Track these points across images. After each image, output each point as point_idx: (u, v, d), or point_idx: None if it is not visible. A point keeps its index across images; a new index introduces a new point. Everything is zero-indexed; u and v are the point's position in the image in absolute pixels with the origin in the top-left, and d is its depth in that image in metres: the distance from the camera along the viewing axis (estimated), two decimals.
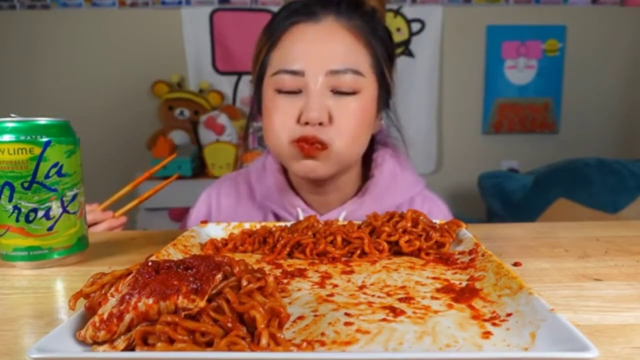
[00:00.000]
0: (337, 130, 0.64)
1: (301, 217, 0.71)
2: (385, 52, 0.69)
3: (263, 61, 0.68)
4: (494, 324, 0.29)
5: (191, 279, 0.27)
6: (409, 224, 0.48)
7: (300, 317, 0.31)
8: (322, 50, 0.63)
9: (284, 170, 0.76)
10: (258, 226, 0.55)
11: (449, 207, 0.81)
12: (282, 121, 0.65)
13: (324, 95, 0.63)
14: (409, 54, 2.30)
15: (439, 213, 0.78)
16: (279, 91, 0.65)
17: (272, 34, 0.67)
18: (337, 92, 0.64)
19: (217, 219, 0.80)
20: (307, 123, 0.63)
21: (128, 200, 0.71)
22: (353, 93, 0.64)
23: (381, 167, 0.75)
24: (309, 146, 0.63)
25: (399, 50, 2.28)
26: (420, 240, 0.46)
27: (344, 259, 0.45)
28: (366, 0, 0.68)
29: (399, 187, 0.75)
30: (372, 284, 0.38)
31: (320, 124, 0.63)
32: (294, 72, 0.63)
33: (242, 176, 0.82)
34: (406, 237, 0.46)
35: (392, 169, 0.76)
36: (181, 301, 0.26)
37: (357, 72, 0.63)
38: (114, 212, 0.70)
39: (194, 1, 2.25)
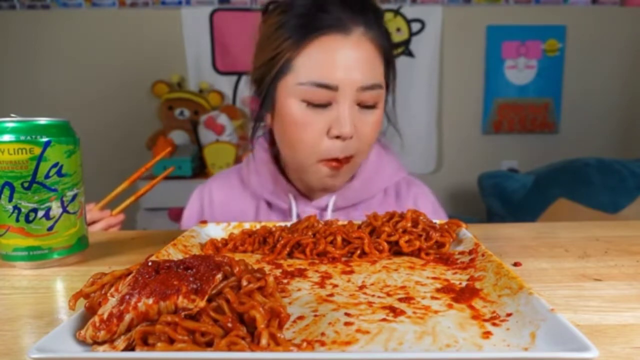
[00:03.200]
0: (359, 142, 0.66)
1: (293, 204, 0.72)
2: (391, 61, 0.71)
3: (284, 64, 0.64)
4: (494, 324, 0.29)
5: (191, 279, 0.27)
6: (409, 224, 0.48)
7: (300, 317, 0.31)
8: (355, 66, 0.63)
9: (276, 160, 0.77)
10: (258, 226, 0.55)
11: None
12: (312, 137, 0.64)
13: (353, 109, 0.64)
14: (409, 54, 2.30)
15: (425, 198, 0.81)
16: (308, 103, 0.63)
17: (297, 37, 0.63)
18: (362, 106, 0.65)
19: (209, 213, 0.80)
20: (337, 137, 0.64)
21: (125, 198, 0.71)
22: (373, 106, 0.66)
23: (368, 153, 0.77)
24: (338, 163, 0.66)
25: (399, 50, 2.28)
26: (420, 240, 0.46)
27: (344, 259, 0.45)
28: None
29: (385, 170, 0.78)
30: (372, 284, 0.38)
31: (351, 137, 0.64)
32: (328, 87, 0.62)
33: (234, 171, 0.83)
34: (406, 237, 0.46)
35: (377, 152, 0.78)
36: (181, 301, 0.26)
37: (380, 87, 0.65)
38: (112, 210, 0.70)
39: (194, 1, 2.24)
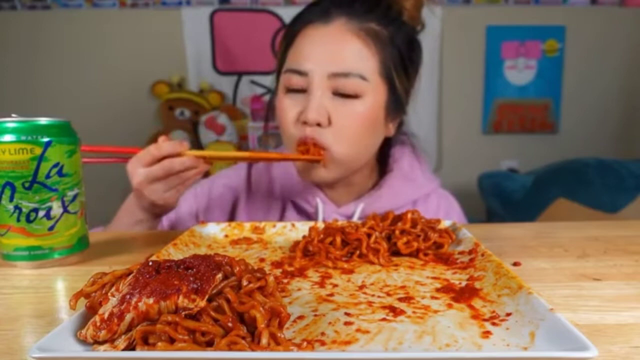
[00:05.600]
0: (335, 132, 0.64)
1: (320, 208, 0.72)
2: (399, 58, 0.67)
3: (280, 60, 0.70)
4: (494, 324, 0.29)
5: (191, 278, 0.27)
6: (408, 225, 0.47)
7: (301, 317, 0.31)
8: (328, 52, 0.63)
9: None
10: (262, 224, 0.55)
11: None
12: (287, 122, 0.66)
13: (324, 96, 0.63)
14: None
15: (453, 212, 0.79)
16: (288, 90, 0.66)
17: (290, 33, 0.68)
18: (339, 95, 0.64)
19: (229, 207, 0.80)
20: (305, 122, 0.63)
21: None
22: (355, 97, 0.64)
23: (400, 161, 0.76)
24: (307, 147, 0.64)
25: None
26: (418, 241, 0.46)
27: (344, 258, 0.45)
28: (400, 1, 0.68)
29: (417, 182, 0.76)
30: (372, 284, 0.38)
31: (319, 125, 0.63)
32: (299, 72, 0.64)
33: (263, 169, 0.80)
34: (404, 239, 0.46)
35: (410, 163, 0.77)
36: (181, 301, 0.26)
37: (360, 77, 0.63)
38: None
39: (194, 1, 2.25)
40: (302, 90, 0.65)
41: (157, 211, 0.63)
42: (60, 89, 2.24)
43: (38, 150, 0.43)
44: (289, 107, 0.66)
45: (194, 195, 0.80)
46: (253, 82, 2.31)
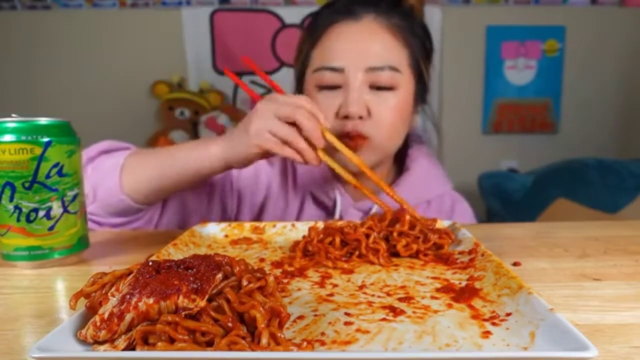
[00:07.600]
0: (375, 123, 0.66)
1: (339, 200, 0.73)
2: (423, 48, 0.71)
3: (305, 58, 0.71)
4: (494, 324, 0.29)
5: (191, 278, 0.27)
6: (406, 227, 0.47)
7: (301, 317, 0.31)
8: (362, 48, 0.66)
9: None
10: (262, 225, 0.55)
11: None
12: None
13: (363, 90, 0.65)
14: None
15: (466, 214, 0.80)
16: (320, 87, 0.67)
17: (314, 32, 0.70)
18: (376, 88, 0.66)
19: (252, 190, 0.78)
20: (346, 117, 0.65)
21: None
22: (391, 89, 0.66)
23: (417, 161, 0.78)
24: (351, 140, 0.65)
25: None
26: (417, 243, 0.46)
27: (344, 258, 0.45)
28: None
29: (433, 182, 0.78)
30: (372, 284, 0.38)
31: (360, 117, 0.65)
32: (334, 69, 0.65)
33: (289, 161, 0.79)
34: (403, 242, 0.46)
35: (427, 163, 0.79)
36: (182, 301, 0.26)
37: (394, 69, 0.66)
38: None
39: (194, 1, 2.25)
40: (336, 87, 0.66)
41: (231, 160, 0.59)
42: (60, 89, 2.24)
43: (38, 150, 0.43)
44: (325, 104, 0.67)
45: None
46: (253, 82, 2.31)
